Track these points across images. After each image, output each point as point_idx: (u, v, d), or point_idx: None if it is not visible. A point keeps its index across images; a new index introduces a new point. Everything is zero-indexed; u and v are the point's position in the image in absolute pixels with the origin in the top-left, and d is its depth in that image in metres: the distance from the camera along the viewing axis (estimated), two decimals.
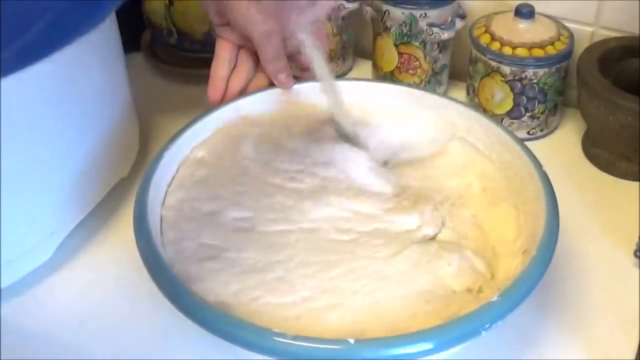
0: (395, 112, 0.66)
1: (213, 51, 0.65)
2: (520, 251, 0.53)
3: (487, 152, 0.61)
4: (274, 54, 0.62)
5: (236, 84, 0.65)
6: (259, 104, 0.65)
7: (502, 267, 0.53)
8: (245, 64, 0.65)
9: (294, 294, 0.51)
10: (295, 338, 0.43)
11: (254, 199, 0.58)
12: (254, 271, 0.53)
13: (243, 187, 0.59)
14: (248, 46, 0.64)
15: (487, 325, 0.44)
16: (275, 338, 0.43)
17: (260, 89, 0.65)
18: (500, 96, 0.72)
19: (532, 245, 0.50)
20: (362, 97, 0.66)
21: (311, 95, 0.65)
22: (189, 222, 0.56)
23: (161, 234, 0.55)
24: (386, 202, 0.59)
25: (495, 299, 0.45)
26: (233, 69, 0.65)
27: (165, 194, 0.58)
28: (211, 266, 0.53)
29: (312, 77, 0.64)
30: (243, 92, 0.65)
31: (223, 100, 0.64)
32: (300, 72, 0.68)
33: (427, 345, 0.43)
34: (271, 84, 0.65)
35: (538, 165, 0.56)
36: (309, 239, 0.55)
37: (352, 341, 0.43)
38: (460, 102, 0.64)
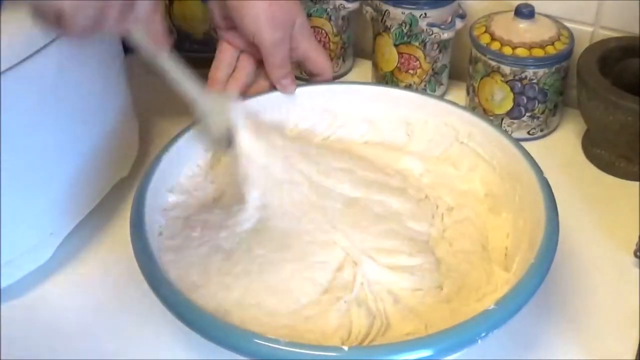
0: (396, 117, 0.66)
1: (213, 51, 0.65)
2: (516, 261, 0.53)
3: (488, 158, 0.61)
4: (281, 62, 0.63)
5: (234, 87, 0.65)
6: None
7: (500, 276, 0.54)
8: (244, 68, 0.65)
9: (297, 300, 0.51)
10: (289, 344, 0.43)
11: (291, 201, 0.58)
12: (260, 272, 0.53)
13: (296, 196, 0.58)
14: (250, 51, 0.64)
15: (483, 334, 0.44)
16: (269, 344, 0.43)
17: (260, 93, 0.65)
18: (500, 96, 0.72)
19: (530, 253, 0.50)
20: (364, 100, 0.66)
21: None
22: (202, 229, 0.56)
23: (163, 238, 0.55)
24: (409, 204, 0.60)
25: (492, 307, 0.45)
26: (232, 72, 0.65)
27: (167, 199, 0.58)
28: (216, 269, 0.53)
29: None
30: (241, 97, 0.65)
31: None
32: (310, 77, 0.68)
33: (421, 353, 0.43)
34: (273, 88, 0.65)
35: (539, 172, 0.56)
36: (324, 238, 0.55)
37: (346, 348, 0.43)
38: (461, 107, 0.64)
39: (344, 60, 0.84)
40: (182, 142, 0.60)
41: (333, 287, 0.52)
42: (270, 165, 0.58)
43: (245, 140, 0.58)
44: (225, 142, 0.59)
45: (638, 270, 0.60)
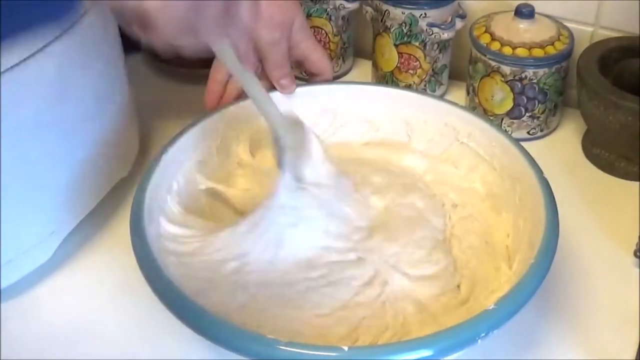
0: (396, 117, 0.66)
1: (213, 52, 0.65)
2: (517, 261, 0.53)
3: (488, 158, 0.61)
4: (279, 62, 0.63)
5: (234, 88, 0.65)
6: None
7: (505, 272, 0.54)
8: None
9: (307, 310, 0.51)
10: (288, 344, 0.43)
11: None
12: (274, 283, 0.52)
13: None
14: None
15: (483, 334, 0.44)
16: (268, 344, 0.43)
17: None
18: (500, 96, 0.72)
19: (530, 253, 0.50)
20: (364, 100, 0.66)
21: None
22: (215, 239, 0.55)
23: (164, 239, 0.55)
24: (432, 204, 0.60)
25: (492, 307, 0.45)
26: None
27: (168, 203, 0.57)
28: (224, 276, 0.53)
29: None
30: (241, 97, 0.65)
31: (219, 104, 0.64)
32: (310, 77, 0.68)
33: (421, 353, 0.43)
34: (273, 88, 0.65)
35: (539, 172, 0.56)
36: (352, 257, 0.55)
37: (345, 348, 0.43)
38: (461, 107, 0.64)
39: (344, 60, 0.84)
40: (182, 142, 0.59)
41: (351, 303, 0.52)
42: (312, 204, 0.56)
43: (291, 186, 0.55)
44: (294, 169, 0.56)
45: (638, 270, 0.60)
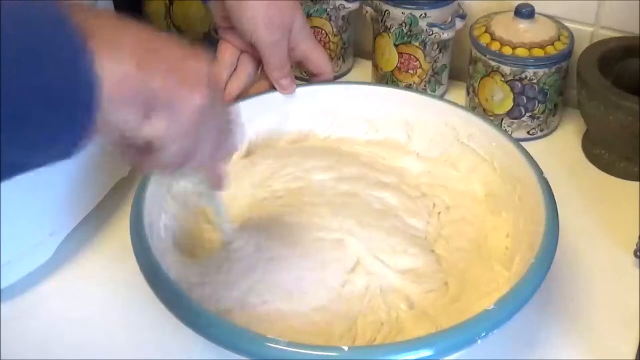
0: (396, 117, 0.66)
1: (213, 51, 0.65)
2: (516, 261, 0.53)
3: (488, 158, 0.61)
4: (279, 63, 0.63)
5: (234, 88, 0.65)
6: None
7: (502, 274, 0.54)
8: (245, 69, 0.65)
9: (306, 303, 0.51)
10: (289, 344, 0.43)
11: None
12: (266, 269, 0.53)
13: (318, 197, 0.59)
14: (250, 52, 0.64)
15: (483, 334, 0.44)
16: (268, 344, 0.43)
17: (261, 93, 0.65)
18: (500, 96, 0.72)
19: (530, 253, 0.50)
20: (364, 100, 0.67)
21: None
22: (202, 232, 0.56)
23: (163, 238, 0.55)
24: (406, 202, 0.60)
25: (492, 307, 0.45)
26: (233, 72, 0.65)
27: (168, 202, 0.57)
28: (216, 268, 0.53)
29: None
30: (241, 97, 0.65)
31: None
32: (310, 77, 0.68)
33: (421, 353, 0.43)
34: (272, 88, 0.65)
35: (539, 172, 0.56)
36: (333, 236, 0.55)
37: (345, 348, 0.43)
38: (461, 107, 0.64)
39: (344, 60, 0.84)
40: None
41: (345, 294, 0.52)
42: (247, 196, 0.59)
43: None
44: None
45: (638, 270, 0.60)
